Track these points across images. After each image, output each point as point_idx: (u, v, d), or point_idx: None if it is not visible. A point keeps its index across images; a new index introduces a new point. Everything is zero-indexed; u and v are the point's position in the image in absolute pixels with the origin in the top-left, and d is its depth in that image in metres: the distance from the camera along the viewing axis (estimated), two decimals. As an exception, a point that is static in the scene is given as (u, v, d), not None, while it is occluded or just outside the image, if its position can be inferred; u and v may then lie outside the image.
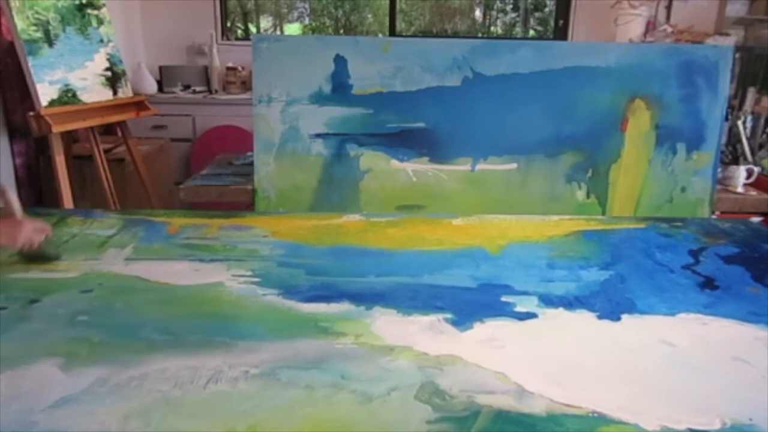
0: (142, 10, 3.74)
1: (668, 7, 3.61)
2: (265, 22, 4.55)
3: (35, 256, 1.04)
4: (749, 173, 2.01)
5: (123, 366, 0.74)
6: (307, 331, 0.84)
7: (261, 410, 0.67)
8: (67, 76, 2.35)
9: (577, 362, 0.79)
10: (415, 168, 1.77)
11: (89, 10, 2.52)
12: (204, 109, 3.52)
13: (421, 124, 1.75)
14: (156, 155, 3.14)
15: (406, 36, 4.24)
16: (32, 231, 1.01)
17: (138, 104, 2.70)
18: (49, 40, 2.30)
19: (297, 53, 1.73)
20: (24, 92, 2.33)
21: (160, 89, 3.65)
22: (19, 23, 2.17)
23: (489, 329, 0.86)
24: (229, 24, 4.06)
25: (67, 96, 2.33)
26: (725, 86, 1.77)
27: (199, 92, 3.66)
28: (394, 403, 0.69)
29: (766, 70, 3.11)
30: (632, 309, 0.93)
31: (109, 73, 2.57)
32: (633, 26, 3.40)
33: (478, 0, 4.46)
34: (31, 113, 2.22)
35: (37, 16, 2.25)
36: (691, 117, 1.77)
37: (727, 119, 2.09)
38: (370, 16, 4.37)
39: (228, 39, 3.96)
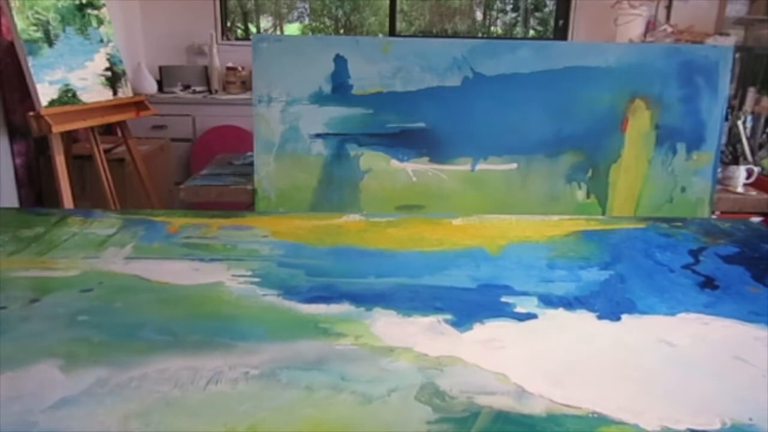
0: (142, 10, 3.74)
1: (668, 7, 3.61)
2: (265, 22, 4.56)
3: None
4: (749, 173, 2.02)
5: (123, 367, 0.74)
6: (307, 332, 0.84)
7: (261, 411, 0.67)
8: (67, 76, 2.35)
9: (577, 362, 0.79)
10: (415, 168, 1.77)
11: (89, 10, 2.52)
12: (204, 109, 3.52)
13: (421, 124, 1.75)
14: (156, 155, 3.15)
15: (406, 36, 4.24)
16: None
17: (138, 104, 2.70)
18: (49, 40, 2.30)
19: (297, 53, 1.73)
20: (24, 92, 2.33)
21: (160, 89, 3.66)
22: (19, 23, 2.17)
23: (489, 330, 0.86)
24: (229, 24, 4.06)
25: (67, 96, 2.34)
26: (725, 86, 1.77)
27: (199, 92, 3.66)
28: (394, 403, 0.69)
29: (766, 70, 3.11)
30: (632, 309, 0.93)
31: (109, 73, 2.58)
32: (633, 26, 3.40)
33: (478, 0, 4.46)
34: (31, 113, 2.22)
35: (37, 16, 2.25)
36: (691, 117, 1.77)
37: (727, 119, 2.10)
38: (373, 18, 4.37)
39: (228, 39, 3.96)
